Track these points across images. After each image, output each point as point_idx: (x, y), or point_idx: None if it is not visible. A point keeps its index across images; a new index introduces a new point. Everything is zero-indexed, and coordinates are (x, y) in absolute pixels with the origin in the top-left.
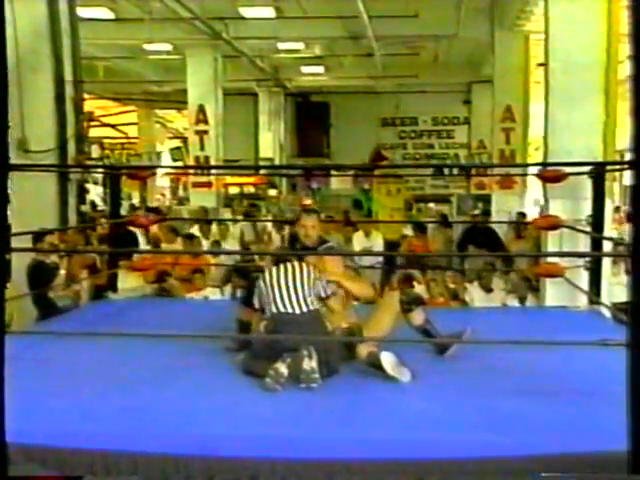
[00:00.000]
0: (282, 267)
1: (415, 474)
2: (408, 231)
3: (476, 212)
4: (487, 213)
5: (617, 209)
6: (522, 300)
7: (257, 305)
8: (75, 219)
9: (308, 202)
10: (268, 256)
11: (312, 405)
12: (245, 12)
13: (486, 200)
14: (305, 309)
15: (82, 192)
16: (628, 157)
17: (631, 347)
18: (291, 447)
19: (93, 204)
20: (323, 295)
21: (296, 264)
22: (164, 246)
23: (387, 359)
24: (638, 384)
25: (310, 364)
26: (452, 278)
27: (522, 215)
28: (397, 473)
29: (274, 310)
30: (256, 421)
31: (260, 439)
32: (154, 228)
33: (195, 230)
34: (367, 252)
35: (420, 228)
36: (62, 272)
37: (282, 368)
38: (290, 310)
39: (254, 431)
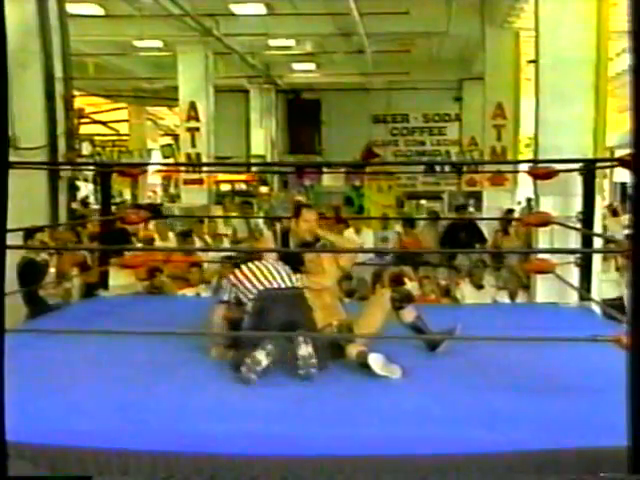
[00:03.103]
0: (255, 263)
1: (408, 470)
2: (399, 228)
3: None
4: (464, 207)
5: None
6: (513, 296)
7: (227, 298)
8: (66, 216)
9: (298, 198)
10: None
11: (305, 402)
12: (236, 9)
13: (477, 197)
14: (290, 284)
15: (72, 189)
16: (618, 154)
17: (630, 344)
18: (284, 444)
19: (84, 202)
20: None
21: (268, 262)
22: (157, 243)
23: (375, 361)
24: (637, 381)
25: (307, 349)
26: (445, 275)
27: (510, 212)
28: (390, 469)
29: (260, 287)
30: (249, 418)
31: (253, 436)
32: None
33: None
34: (358, 249)
35: (409, 225)
36: (52, 270)
37: (260, 356)
38: (276, 285)
39: (247, 428)
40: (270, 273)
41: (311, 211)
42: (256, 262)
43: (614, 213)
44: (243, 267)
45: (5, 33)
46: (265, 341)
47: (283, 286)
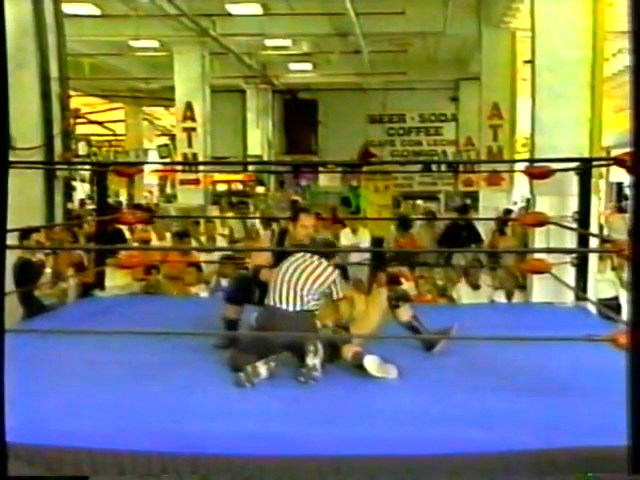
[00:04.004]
0: (294, 257)
1: (404, 470)
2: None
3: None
4: (465, 207)
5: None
6: (509, 296)
7: None
8: (62, 217)
9: (295, 198)
10: (258, 252)
11: (301, 402)
12: (232, 9)
13: (474, 197)
14: (299, 308)
15: (68, 189)
16: (614, 154)
17: (630, 344)
18: (280, 444)
19: (82, 202)
20: (335, 297)
21: (314, 258)
22: (155, 243)
23: (370, 363)
24: (638, 381)
25: (313, 361)
26: (441, 275)
27: (508, 212)
28: (386, 469)
29: (270, 302)
30: (245, 418)
31: (249, 436)
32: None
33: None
34: (355, 249)
35: (404, 226)
36: (48, 270)
37: (262, 369)
38: (284, 307)
39: (243, 428)
40: (290, 282)
41: (309, 216)
42: (298, 258)
43: (620, 210)
44: (286, 259)
45: (5, 34)
46: (271, 357)
47: (291, 309)
